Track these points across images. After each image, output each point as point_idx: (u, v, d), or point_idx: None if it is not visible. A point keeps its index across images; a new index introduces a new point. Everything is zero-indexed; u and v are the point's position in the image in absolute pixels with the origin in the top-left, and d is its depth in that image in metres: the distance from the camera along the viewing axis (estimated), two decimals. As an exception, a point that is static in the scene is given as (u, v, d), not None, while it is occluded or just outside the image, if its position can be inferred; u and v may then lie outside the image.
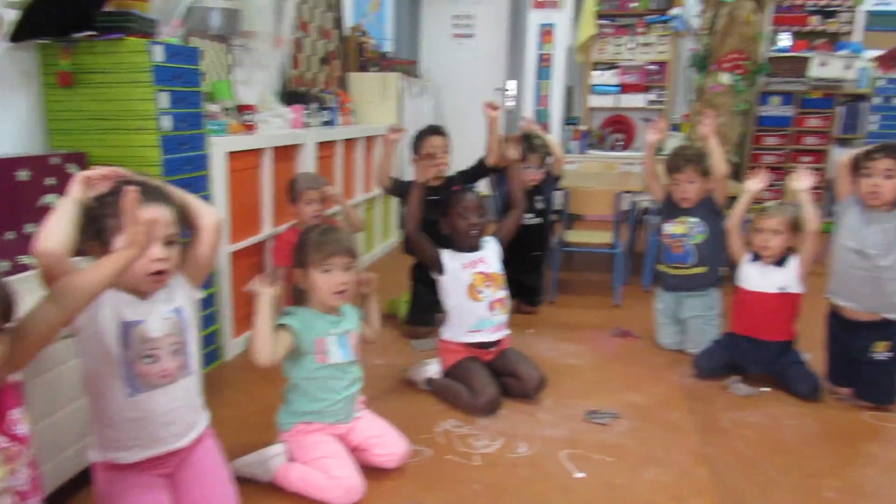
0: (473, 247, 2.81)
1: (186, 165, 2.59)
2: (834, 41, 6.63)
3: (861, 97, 6.66)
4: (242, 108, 3.32)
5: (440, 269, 2.77)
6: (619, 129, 7.32)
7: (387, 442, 2.18)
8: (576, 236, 4.51)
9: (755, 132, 6.71)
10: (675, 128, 6.71)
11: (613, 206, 4.05)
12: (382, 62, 5.44)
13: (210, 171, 2.77)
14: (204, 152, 2.73)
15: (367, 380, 2.78)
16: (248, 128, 3.30)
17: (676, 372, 3.09)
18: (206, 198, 2.72)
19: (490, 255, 2.85)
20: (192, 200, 1.77)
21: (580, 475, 2.18)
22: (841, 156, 2.82)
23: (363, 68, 5.26)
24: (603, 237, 4.31)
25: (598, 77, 7.09)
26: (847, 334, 2.80)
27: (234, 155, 2.98)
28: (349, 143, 4.42)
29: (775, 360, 2.92)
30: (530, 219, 3.78)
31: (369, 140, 4.73)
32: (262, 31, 3.72)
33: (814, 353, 2.98)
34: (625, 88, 7.07)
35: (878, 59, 6.66)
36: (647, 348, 3.40)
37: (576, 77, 7.28)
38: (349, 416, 2.18)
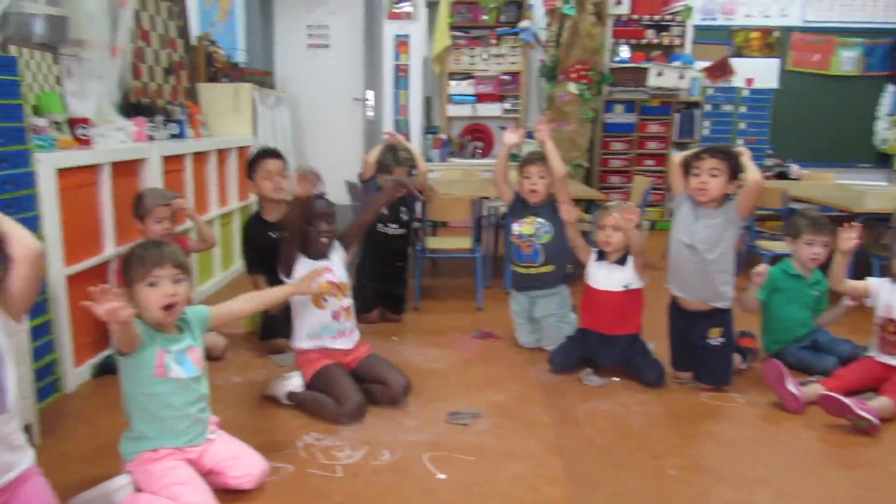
0: (323, 254, 2.79)
1: (6, 184, 2.37)
2: (668, 53, 7.16)
3: (694, 104, 7.24)
4: (75, 122, 3.10)
5: (288, 272, 2.72)
6: (477, 137, 7.51)
7: (243, 463, 2.10)
8: (437, 243, 4.58)
9: (603, 138, 7.11)
10: (530, 136, 6.98)
11: (471, 212, 4.14)
12: (234, 73, 5.28)
13: (38, 189, 2.57)
14: (29, 169, 2.52)
15: (224, 399, 2.69)
16: (84, 142, 3.10)
17: (535, 369, 3.20)
18: (34, 218, 2.52)
19: (337, 262, 2.83)
20: (6, 227, 1.62)
21: (442, 476, 2.20)
22: (675, 156, 3.04)
23: (213, 79, 5.08)
24: (463, 243, 4.40)
25: (454, 87, 7.25)
26: (685, 323, 3.01)
27: (65, 172, 2.78)
28: (200, 156, 4.25)
29: (624, 352, 3.10)
30: (395, 230, 3.82)
31: (222, 153, 4.57)
32: (95, 40, 3.49)
33: (658, 343, 3.19)
34: (481, 98, 7.28)
35: (706, 70, 7.28)
36: (507, 348, 3.50)
37: (433, 87, 7.42)
38: (199, 437, 2.08)
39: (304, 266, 2.73)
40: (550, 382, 3.05)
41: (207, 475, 2.06)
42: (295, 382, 2.76)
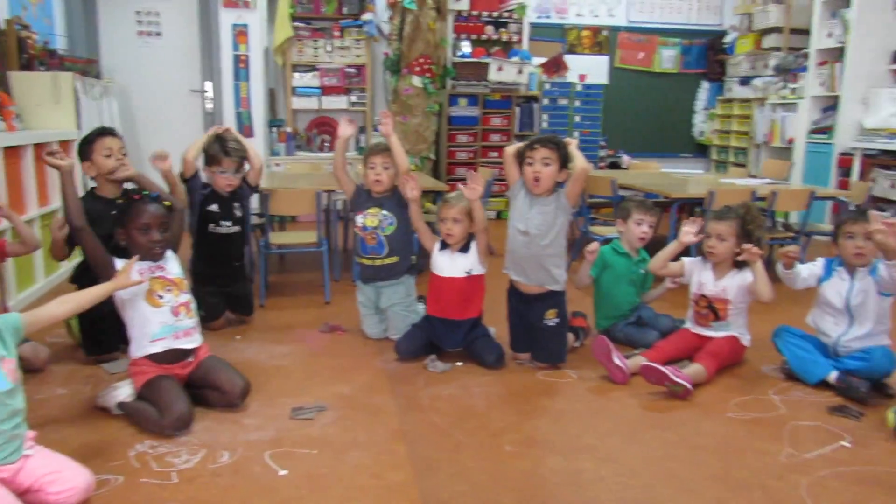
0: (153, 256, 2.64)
1: None
2: (507, 49, 7.43)
3: (533, 98, 7.56)
4: None
5: (110, 276, 2.49)
6: (324, 130, 7.43)
7: (64, 477, 1.96)
8: (281, 238, 4.49)
9: (448, 131, 7.27)
10: (376, 128, 6.99)
11: (315, 205, 4.10)
12: (51, 60, 4.87)
13: None
14: None
15: (47, 413, 2.51)
16: None
17: (381, 359, 3.23)
18: None
19: (170, 263, 2.69)
20: None
21: (283, 473, 2.18)
22: (508, 148, 3.16)
23: (28, 67, 4.66)
24: (309, 237, 4.34)
25: (299, 79, 7.12)
26: (523, 306, 3.16)
27: None
28: (13, 151, 3.89)
29: (466, 336, 3.21)
30: (228, 228, 3.64)
31: (38, 147, 4.21)
32: None
33: (498, 326, 3.33)
34: (326, 90, 7.20)
35: (543, 65, 7.62)
36: (354, 340, 3.51)
37: (277, 79, 7.24)
38: (13, 455, 1.92)
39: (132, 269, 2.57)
40: (396, 371, 3.09)
41: (25, 494, 1.91)
42: (125, 391, 2.60)
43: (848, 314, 2.98)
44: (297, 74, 7.11)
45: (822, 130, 6.58)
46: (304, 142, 7.30)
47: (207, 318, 3.43)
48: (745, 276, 3.09)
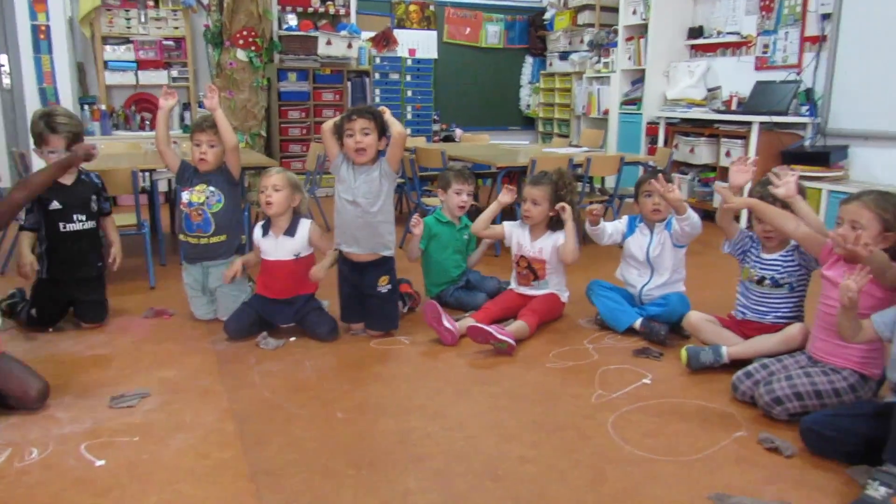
0: None
1: None
2: (335, 23, 7.35)
3: (364, 73, 7.54)
4: None
5: None
6: (144, 107, 6.99)
7: None
8: (97, 222, 4.19)
9: (279, 107, 7.09)
10: (201, 105, 6.68)
11: (132, 186, 3.86)
12: None
13: None
14: None
15: None
16: None
17: (210, 341, 3.14)
18: None
19: None
20: None
21: (101, 463, 2.07)
22: (325, 124, 3.15)
23: None
24: (127, 219, 4.09)
25: (111, 53, 6.64)
26: (356, 275, 3.19)
27: None
28: None
29: (298, 311, 3.19)
30: (82, 224, 3.25)
31: None
32: None
33: (331, 300, 3.34)
34: (143, 65, 6.77)
35: (372, 39, 7.62)
36: (182, 324, 3.38)
37: (86, 52, 6.70)
38: None
39: None
40: (226, 351, 3.02)
41: None
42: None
43: (649, 265, 3.29)
44: (108, 47, 6.62)
45: (632, 102, 7.13)
46: (121, 120, 6.83)
47: (39, 323, 3.19)
48: (559, 238, 3.31)
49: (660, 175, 3.06)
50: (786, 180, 2.63)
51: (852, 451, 2.06)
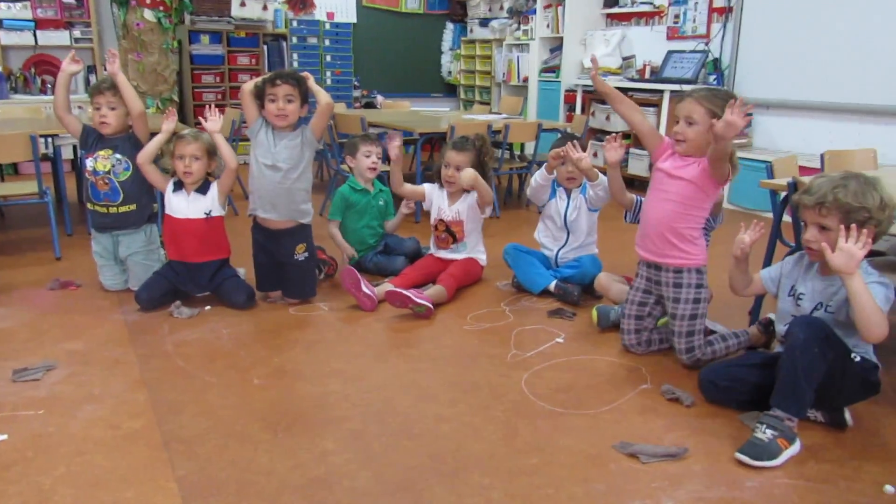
0: None
1: None
2: (249, -17, 7.09)
3: (282, 37, 7.35)
4: None
5: None
6: (45, 69, 6.60)
7: None
8: (-5, 190, 3.98)
9: (192, 70, 6.84)
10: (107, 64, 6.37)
11: (31, 152, 3.67)
12: None
13: None
14: None
15: None
16: None
17: (121, 311, 3.05)
18: None
19: None
20: None
21: (3, 437, 2.00)
22: (244, 85, 3.07)
23: None
24: (28, 187, 3.90)
25: (5, 10, 6.22)
26: (272, 243, 3.14)
27: None
28: None
29: (213, 279, 3.13)
30: None
31: None
32: None
33: (247, 267, 3.29)
34: (42, 24, 6.37)
35: (288, 2, 7.41)
36: (91, 294, 3.27)
37: (-24, 9, 6.25)
38: None
39: None
40: (139, 321, 2.94)
41: None
42: None
43: (566, 229, 3.38)
44: (2, 5, 6.20)
45: (551, 69, 7.22)
46: (20, 83, 6.44)
47: None
48: (472, 196, 3.35)
49: (570, 143, 3.12)
50: (615, 144, 2.85)
51: (744, 399, 2.20)
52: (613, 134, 2.94)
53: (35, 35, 6.36)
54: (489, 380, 2.45)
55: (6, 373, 2.41)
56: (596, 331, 2.91)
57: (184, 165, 3.02)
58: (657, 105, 5.87)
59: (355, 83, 7.97)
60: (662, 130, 5.81)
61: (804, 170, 3.21)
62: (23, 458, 1.92)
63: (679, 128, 2.45)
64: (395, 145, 3.27)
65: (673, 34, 6.27)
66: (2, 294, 3.23)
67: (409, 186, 3.48)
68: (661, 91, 5.82)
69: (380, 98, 7.98)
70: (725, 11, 5.78)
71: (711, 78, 5.83)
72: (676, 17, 6.22)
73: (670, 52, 6.14)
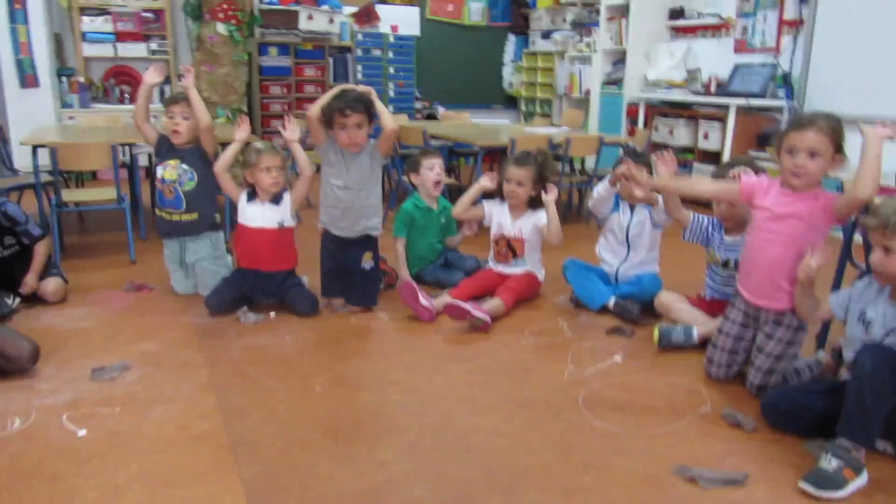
0: None
1: None
2: (316, -3, 7.28)
3: (346, 49, 7.51)
4: None
5: None
6: (124, 80, 6.93)
7: None
8: (77, 195, 4.19)
9: (260, 82, 7.05)
10: (182, 78, 6.63)
11: (110, 160, 3.86)
12: None
13: None
14: None
15: None
16: None
17: (191, 314, 3.17)
18: None
19: None
20: None
21: (82, 433, 2.11)
22: (310, 111, 3.13)
23: None
24: (107, 193, 4.09)
25: (89, 24, 6.55)
26: (340, 251, 3.23)
27: None
28: None
29: (279, 287, 3.23)
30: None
31: None
32: None
33: (311, 276, 3.38)
34: (122, 37, 6.70)
35: (354, 15, 7.57)
36: (162, 298, 3.41)
37: (63, 23, 6.60)
38: None
39: None
40: (207, 325, 3.06)
41: None
42: None
43: (627, 244, 3.36)
44: (86, 18, 6.53)
45: (613, 82, 7.17)
46: (101, 93, 6.76)
47: None
48: (540, 217, 3.37)
49: (632, 164, 3.02)
50: (666, 158, 2.78)
51: (809, 427, 2.15)
52: (667, 151, 2.87)
53: (115, 47, 6.68)
54: (546, 396, 2.46)
55: (85, 371, 2.54)
56: (655, 350, 2.88)
57: (271, 177, 3.11)
58: (722, 119, 5.77)
59: (417, 95, 8.07)
60: (727, 146, 5.71)
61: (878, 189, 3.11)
62: (99, 453, 2.02)
63: (799, 161, 2.24)
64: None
65: (741, 47, 6.15)
66: (82, 294, 3.40)
67: (469, 210, 3.52)
68: (727, 105, 5.72)
69: (440, 109, 8.06)
70: (797, 24, 5.64)
71: (781, 92, 5.69)
72: (745, 29, 6.10)
73: (738, 66, 6.02)
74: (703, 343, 2.78)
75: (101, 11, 6.57)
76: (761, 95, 5.67)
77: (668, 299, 3.11)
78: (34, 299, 3.25)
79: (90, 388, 2.42)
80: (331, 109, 3.03)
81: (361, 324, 3.14)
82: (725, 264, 2.90)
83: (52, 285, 3.27)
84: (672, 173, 2.81)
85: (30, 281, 3.21)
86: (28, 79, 5.94)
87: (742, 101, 5.59)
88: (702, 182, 2.62)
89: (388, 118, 3.14)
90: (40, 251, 3.27)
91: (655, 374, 2.67)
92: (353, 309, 3.26)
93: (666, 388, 2.56)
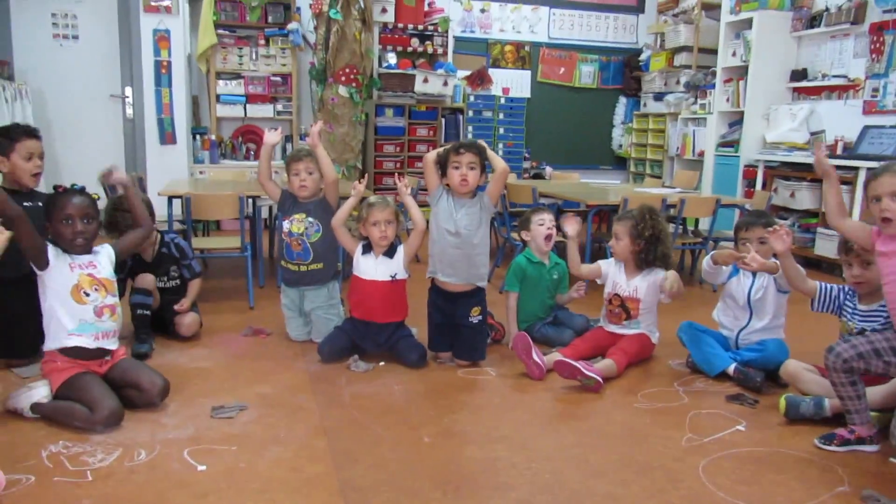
0: (84, 252, 2.64)
1: None
2: (432, 61, 7.57)
3: (458, 110, 7.71)
4: None
5: (43, 263, 2.54)
6: (250, 138, 7.38)
7: (-29, 476, 1.92)
8: (204, 243, 4.45)
9: (375, 140, 7.33)
10: (303, 137, 7.00)
11: (237, 210, 4.09)
12: (-40, 61, 4.70)
13: None
14: None
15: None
16: None
17: (304, 360, 3.26)
18: None
19: (103, 260, 2.69)
20: None
21: (202, 468, 2.18)
22: (427, 154, 3.25)
23: (-67, 67, 4.49)
24: (232, 242, 4.32)
25: (223, 87, 7.06)
26: (449, 305, 3.24)
27: None
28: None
29: (389, 338, 3.27)
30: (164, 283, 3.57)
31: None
32: None
33: (419, 328, 3.40)
34: (251, 99, 7.16)
35: (467, 78, 7.80)
36: (278, 343, 3.52)
37: (200, 86, 7.16)
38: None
39: (60, 260, 2.57)
40: (319, 371, 3.13)
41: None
42: (40, 392, 2.56)
43: (749, 309, 3.20)
44: (221, 82, 7.05)
45: (729, 144, 6.97)
46: (228, 150, 7.23)
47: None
48: (656, 275, 3.27)
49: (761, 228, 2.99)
50: (780, 233, 2.72)
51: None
52: (781, 225, 2.79)
53: (245, 108, 7.15)
54: (663, 463, 2.33)
55: (206, 409, 2.64)
56: (782, 422, 2.69)
57: (380, 231, 3.20)
58: (851, 183, 5.46)
59: (525, 154, 8.15)
60: (857, 209, 5.38)
61: None
62: (217, 488, 2.08)
63: (885, 205, 2.29)
64: (573, 224, 3.33)
65: (870, 108, 5.85)
66: (205, 336, 3.57)
67: (585, 267, 3.48)
68: (857, 168, 5.42)
69: (548, 169, 8.08)
70: (933, 84, 5.32)
71: (916, 155, 5.35)
72: (875, 90, 5.82)
73: (866, 127, 5.72)
74: (836, 416, 2.58)
75: (235, 76, 7.08)
76: (893, 158, 5.34)
77: (795, 368, 2.91)
78: (169, 334, 3.47)
79: (210, 426, 2.51)
80: (446, 151, 3.15)
81: (469, 377, 3.11)
82: (860, 333, 2.69)
83: (189, 318, 3.48)
84: (787, 250, 2.75)
85: (186, 303, 3.48)
86: (167, 136, 6.44)
87: (873, 164, 5.27)
88: (836, 219, 2.54)
89: (500, 161, 3.20)
90: (195, 286, 3.60)
91: (783, 447, 2.48)
92: (460, 363, 3.25)
93: (795, 462, 2.37)
